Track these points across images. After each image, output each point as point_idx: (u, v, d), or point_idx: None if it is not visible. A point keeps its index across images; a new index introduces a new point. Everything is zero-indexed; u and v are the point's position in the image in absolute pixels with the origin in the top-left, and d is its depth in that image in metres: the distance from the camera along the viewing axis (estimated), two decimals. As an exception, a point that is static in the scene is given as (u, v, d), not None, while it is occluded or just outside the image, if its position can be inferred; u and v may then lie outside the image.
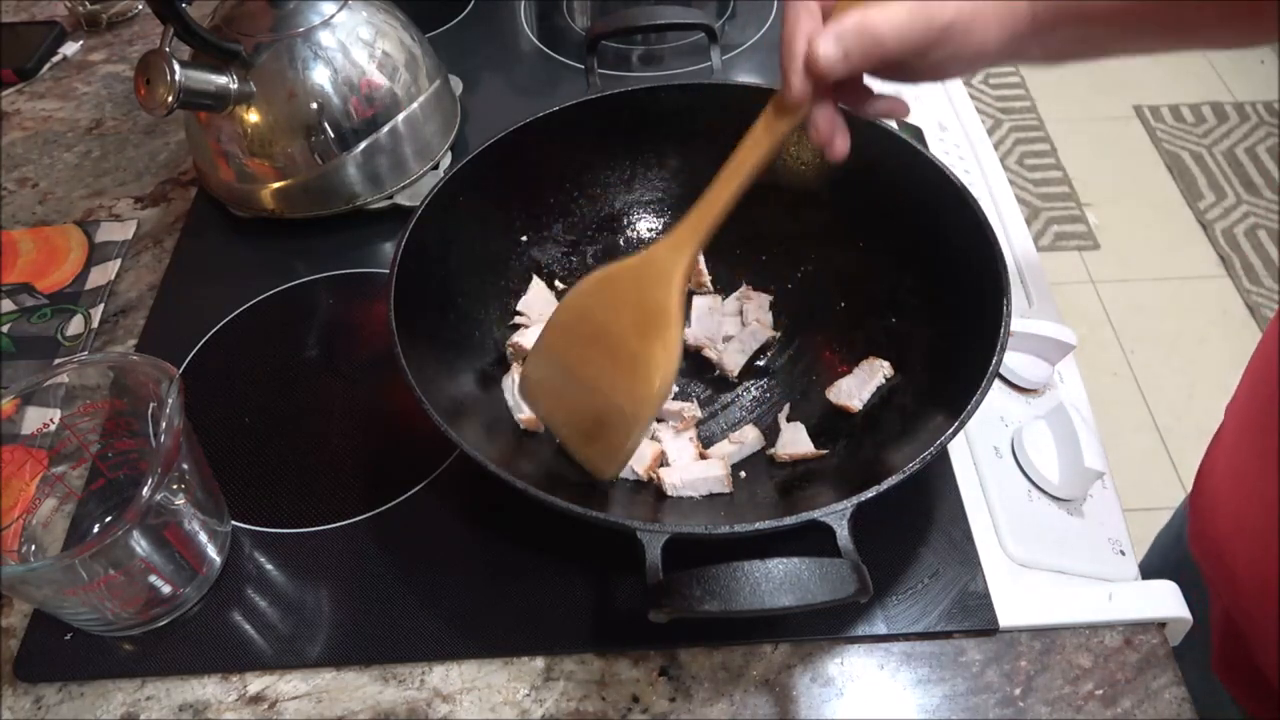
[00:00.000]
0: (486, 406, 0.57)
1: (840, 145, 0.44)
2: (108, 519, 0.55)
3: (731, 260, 0.67)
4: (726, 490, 0.54)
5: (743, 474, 0.56)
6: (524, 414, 0.57)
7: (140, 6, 1.01)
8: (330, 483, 0.58)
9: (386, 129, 0.72)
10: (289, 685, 0.50)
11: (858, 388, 0.57)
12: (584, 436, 0.50)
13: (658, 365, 0.47)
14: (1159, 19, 0.43)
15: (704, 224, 0.47)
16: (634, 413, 0.47)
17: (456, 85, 0.84)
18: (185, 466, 0.48)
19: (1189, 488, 0.66)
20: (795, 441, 0.56)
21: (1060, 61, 0.45)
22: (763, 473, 0.56)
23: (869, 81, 0.45)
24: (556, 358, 0.50)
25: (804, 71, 0.42)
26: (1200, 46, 0.46)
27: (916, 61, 0.42)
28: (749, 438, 0.56)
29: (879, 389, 0.57)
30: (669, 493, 0.53)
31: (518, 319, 0.63)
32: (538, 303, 0.63)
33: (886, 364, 0.58)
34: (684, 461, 0.55)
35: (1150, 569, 0.54)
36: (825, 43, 0.41)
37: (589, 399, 0.49)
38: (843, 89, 0.44)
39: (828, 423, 0.58)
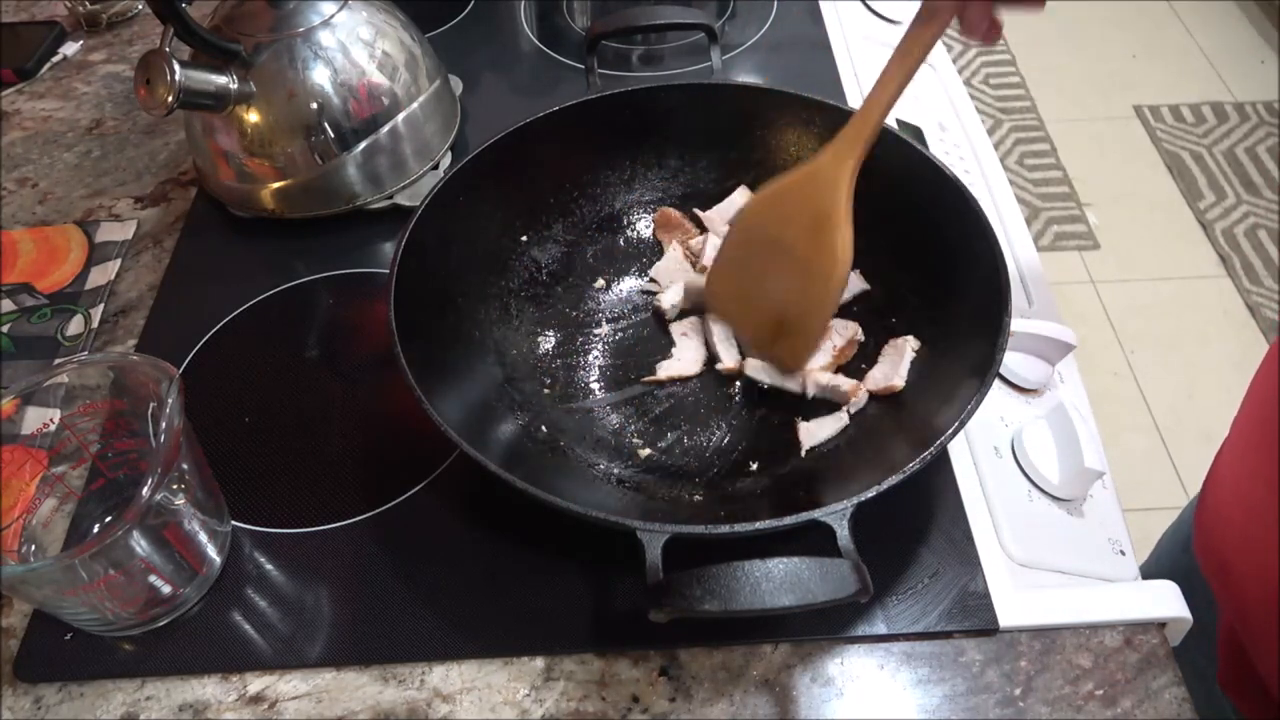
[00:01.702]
0: (487, 406, 0.57)
1: (996, 32, 0.48)
2: (108, 519, 0.55)
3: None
4: (801, 387, 0.57)
5: (753, 465, 0.56)
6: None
7: (140, 6, 1.01)
8: (330, 483, 0.58)
9: (386, 129, 0.72)
10: (289, 685, 0.50)
11: (892, 369, 0.57)
12: (770, 338, 0.56)
13: (830, 267, 0.51)
14: None
15: (866, 129, 0.49)
16: (812, 313, 0.52)
17: (456, 85, 0.84)
18: (185, 466, 0.48)
19: (1189, 488, 0.66)
20: (888, 376, 0.57)
21: None
22: (764, 472, 0.56)
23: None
24: (737, 270, 0.55)
25: None
26: None
27: None
28: (845, 386, 0.57)
29: (911, 363, 0.57)
30: (749, 371, 0.58)
31: (650, 285, 0.66)
32: (670, 267, 0.66)
33: (910, 338, 0.58)
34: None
35: (1156, 574, 0.54)
36: None
37: (770, 304, 0.54)
38: None
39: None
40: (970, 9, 0.47)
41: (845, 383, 0.57)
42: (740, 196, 0.67)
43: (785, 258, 0.52)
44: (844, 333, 0.59)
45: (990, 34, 0.47)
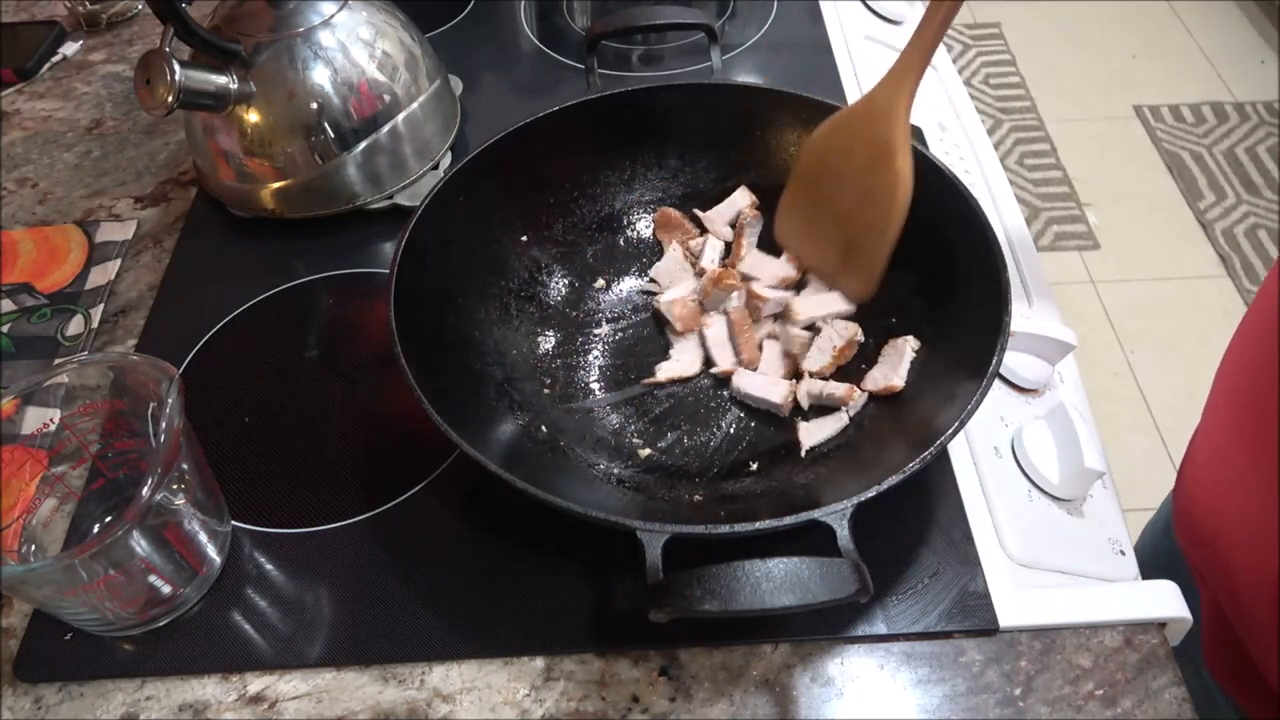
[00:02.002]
0: (487, 406, 0.57)
1: None
2: (108, 519, 0.55)
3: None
4: (783, 411, 0.58)
5: (753, 465, 0.56)
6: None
7: (140, 6, 1.01)
8: (330, 483, 0.58)
9: (386, 129, 0.72)
10: (289, 685, 0.50)
11: (892, 369, 0.57)
12: (837, 265, 0.56)
13: (891, 192, 0.51)
14: None
15: (918, 56, 0.49)
16: (877, 238, 0.52)
17: (456, 85, 0.84)
18: (185, 466, 0.48)
19: (1188, 487, 0.66)
20: (887, 376, 0.57)
21: None
22: (764, 472, 0.56)
23: None
24: (803, 202, 0.56)
25: None
26: None
27: None
28: (839, 391, 0.58)
29: (911, 363, 0.57)
30: (735, 383, 0.59)
31: (650, 285, 0.67)
32: (670, 267, 0.66)
33: (910, 338, 0.58)
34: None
35: (1139, 563, 0.54)
36: None
37: (836, 232, 0.54)
38: None
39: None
40: None
41: (839, 388, 0.57)
42: (741, 196, 0.67)
43: (848, 188, 0.53)
44: (844, 333, 0.59)
45: None
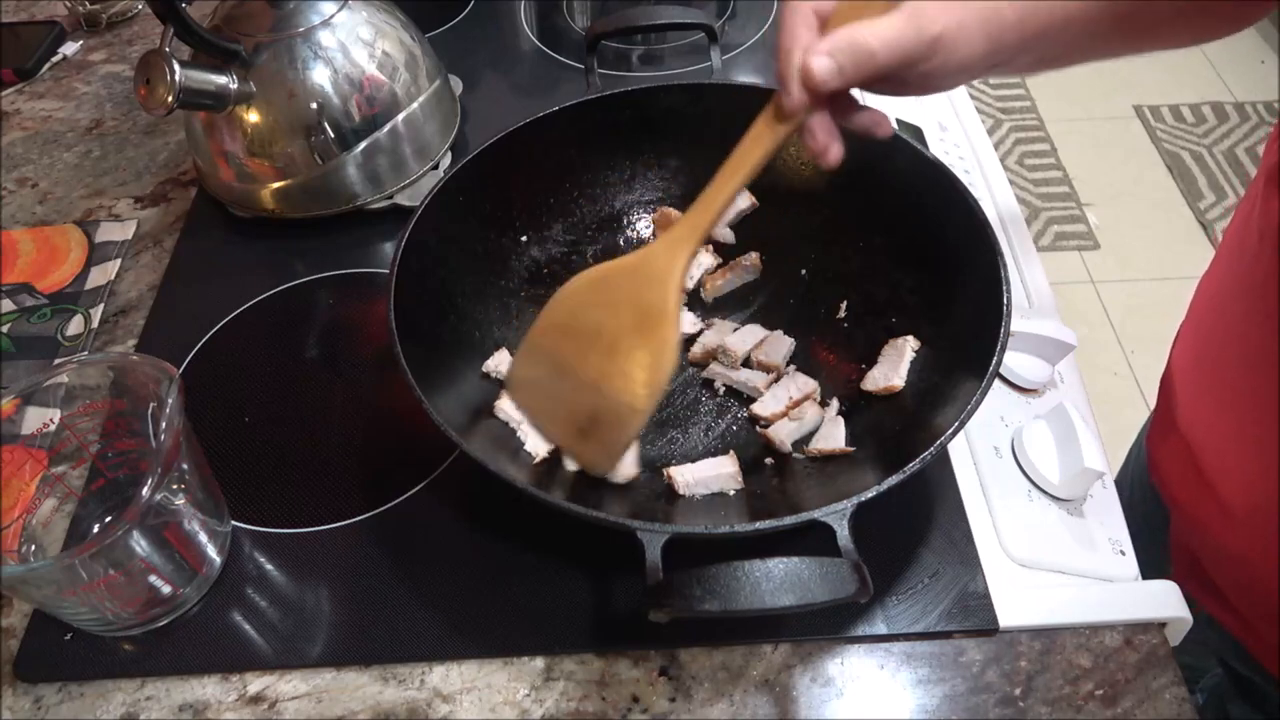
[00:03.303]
0: (487, 406, 0.57)
1: (834, 154, 0.45)
2: (108, 519, 0.55)
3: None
4: (738, 487, 0.54)
5: (753, 465, 0.56)
6: (530, 444, 0.56)
7: (140, 6, 1.01)
8: (330, 483, 0.58)
9: (386, 129, 0.72)
10: (289, 685, 0.50)
11: (892, 369, 0.57)
12: (579, 434, 0.51)
13: (657, 362, 0.47)
14: (1133, 21, 0.45)
15: (702, 222, 0.48)
16: (632, 408, 0.48)
17: (456, 85, 0.84)
18: (185, 466, 0.48)
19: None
20: (830, 436, 0.56)
21: (1039, 69, 0.47)
22: (764, 472, 0.56)
23: (855, 92, 0.46)
24: (548, 357, 0.50)
25: (800, 83, 0.42)
26: (1161, 46, 0.48)
27: (906, 73, 0.43)
28: (808, 414, 0.57)
29: (911, 363, 0.57)
30: (681, 491, 0.53)
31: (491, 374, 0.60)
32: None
33: (910, 338, 0.57)
34: (701, 468, 0.55)
35: (1126, 493, 0.56)
36: (819, 58, 0.41)
37: (584, 396, 0.49)
38: (833, 99, 0.45)
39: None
40: (815, 124, 0.44)
41: (808, 410, 0.57)
42: (740, 199, 0.67)
43: (609, 347, 0.48)
44: (803, 387, 0.58)
45: (831, 155, 0.44)
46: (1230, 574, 0.59)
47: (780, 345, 0.61)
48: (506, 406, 0.56)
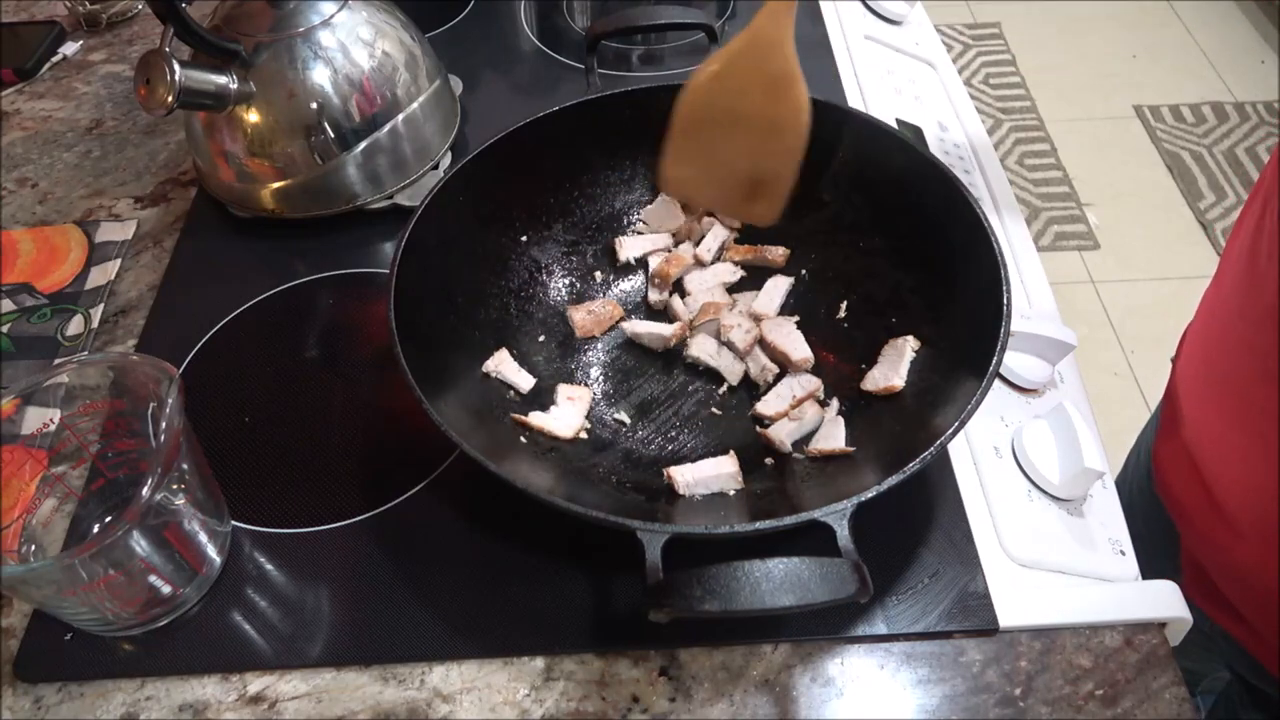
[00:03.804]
0: (487, 406, 0.57)
1: None
2: (108, 519, 0.55)
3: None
4: (738, 487, 0.54)
5: (754, 465, 0.56)
6: (527, 386, 0.59)
7: (140, 6, 1.01)
8: (330, 483, 0.58)
9: (386, 129, 0.72)
10: (289, 685, 0.50)
11: (892, 369, 0.57)
12: (744, 200, 0.57)
13: (796, 117, 0.53)
14: None
15: None
16: (787, 161, 0.54)
17: (456, 85, 0.84)
18: (185, 466, 0.48)
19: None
20: (830, 436, 0.56)
21: None
22: (764, 472, 0.56)
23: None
24: (694, 149, 0.56)
25: None
26: None
27: None
28: (809, 414, 0.57)
29: (911, 363, 0.57)
30: (681, 491, 0.53)
31: (640, 226, 0.68)
32: (659, 209, 0.68)
33: (910, 338, 0.57)
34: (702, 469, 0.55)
35: (1126, 503, 0.56)
36: None
37: (741, 167, 0.55)
38: None
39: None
40: None
41: (808, 410, 0.57)
42: (666, 202, 0.67)
43: (748, 123, 0.54)
44: (806, 385, 0.59)
45: None
46: (1239, 587, 0.59)
47: (838, 429, 0.57)
48: (491, 364, 0.59)
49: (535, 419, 0.57)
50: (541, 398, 0.59)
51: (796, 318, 0.62)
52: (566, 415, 0.58)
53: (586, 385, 0.61)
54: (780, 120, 0.53)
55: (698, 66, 0.54)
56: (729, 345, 0.61)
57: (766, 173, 0.55)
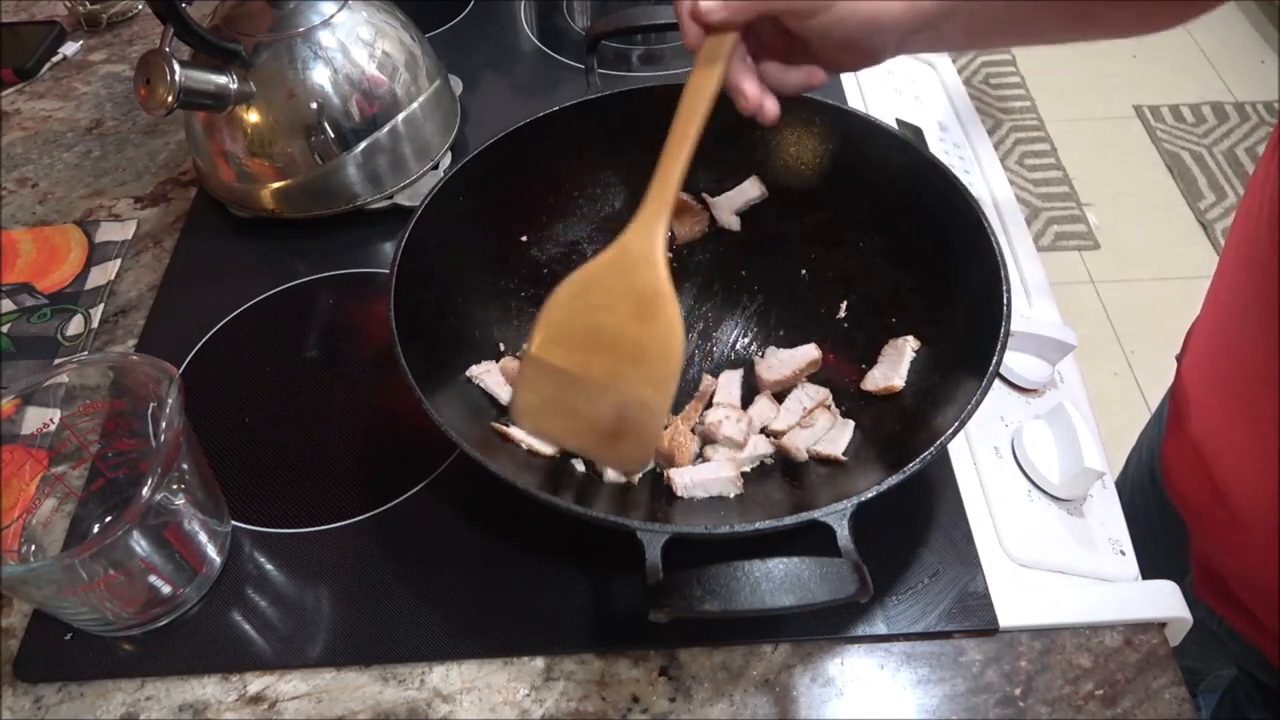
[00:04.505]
0: (487, 406, 0.57)
1: (770, 111, 0.48)
2: (108, 519, 0.55)
3: (732, 262, 0.67)
4: (738, 491, 0.53)
5: (754, 465, 0.56)
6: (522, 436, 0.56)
7: (140, 6, 1.01)
8: (330, 483, 0.58)
9: (386, 129, 0.72)
10: (289, 685, 0.50)
11: (892, 369, 0.57)
12: (607, 439, 0.48)
13: (668, 343, 0.47)
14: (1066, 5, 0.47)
15: (668, 195, 0.48)
16: (656, 395, 0.47)
17: (456, 85, 0.84)
18: (185, 466, 0.48)
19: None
20: (832, 440, 0.55)
21: (975, 44, 0.49)
22: (763, 472, 0.56)
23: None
24: (551, 375, 0.48)
25: (691, 20, 0.45)
26: (1100, 35, 0.50)
27: (809, 22, 0.45)
28: (820, 420, 0.56)
29: (911, 363, 0.57)
30: (680, 493, 0.53)
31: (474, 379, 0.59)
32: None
33: (910, 338, 0.57)
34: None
35: (1129, 505, 0.56)
36: None
37: (603, 399, 0.48)
38: (761, 58, 0.48)
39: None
40: (740, 80, 0.47)
41: (819, 417, 0.57)
42: (751, 186, 0.66)
43: (615, 344, 0.47)
44: (815, 396, 0.58)
45: (766, 110, 0.47)
46: (1247, 583, 0.58)
47: (844, 433, 0.56)
48: (476, 370, 0.57)
49: (518, 432, 0.55)
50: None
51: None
52: None
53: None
54: (647, 343, 0.47)
55: (556, 288, 0.48)
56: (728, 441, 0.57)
57: (633, 404, 0.47)
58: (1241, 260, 0.56)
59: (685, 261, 0.67)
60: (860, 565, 0.40)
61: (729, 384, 0.60)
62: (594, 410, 0.48)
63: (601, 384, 0.47)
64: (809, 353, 0.59)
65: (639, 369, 0.47)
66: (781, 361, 0.59)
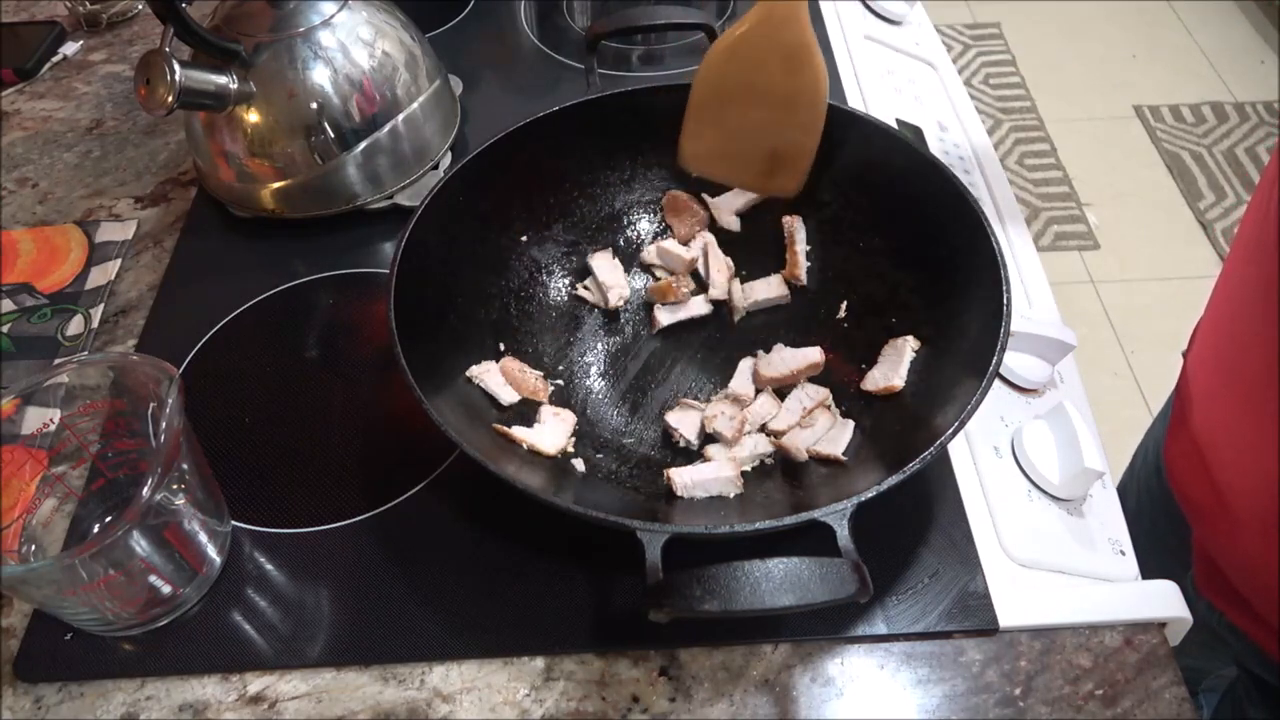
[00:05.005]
0: (487, 406, 0.57)
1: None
2: (108, 519, 0.55)
3: (731, 262, 0.67)
4: (738, 491, 0.53)
5: (754, 465, 0.56)
6: (510, 399, 0.58)
7: (140, 6, 1.01)
8: (330, 483, 0.58)
9: (386, 129, 0.72)
10: (289, 685, 0.50)
11: (892, 369, 0.57)
12: (764, 173, 0.58)
13: (815, 89, 0.54)
14: None
15: None
16: (807, 132, 0.56)
17: (456, 85, 0.84)
18: (185, 466, 0.48)
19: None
20: (832, 440, 0.55)
21: None
22: (763, 472, 0.56)
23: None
24: (712, 124, 0.57)
25: None
26: None
27: None
28: (820, 420, 0.57)
29: (911, 363, 0.57)
30: (679, 493, 0.53)
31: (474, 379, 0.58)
32: (670, 250, 0.66)
33: (910, 338, 0.57)
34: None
35: (1133, 501, 0.55)
36: None
37: (760, 140, 0.56)
38: None
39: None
40: None
41: (819, 417, 0.57)
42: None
43: (766, 96, 0.55)
44: (814, 396, 0.58)
45: None
46: (1248, 580, 0.59)
47: (844, 433, 0.56)
48: (476, 371, 0.58)
49: (519, 433, 0.55)
50: (526, 411, 0.59)
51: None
52: (551, 432, 0.56)
53: (581, 394, 0.61)
54: (798, 92, 0.54)
55: (708, 51, 0.55)
56: (718, 436, 0.57)
57: (786, 145, 0.56)
58: (1248, 256, 0.56)
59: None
60: (860, 565, 0.40)
61: (743, 373, 0.61)
62: (752, 152, 0.57)
63: (757, 128, 0.56)
64: (810, 355, 0.59)
65: (792, 115, 0.55)
66: (783, 360, 0.59)
